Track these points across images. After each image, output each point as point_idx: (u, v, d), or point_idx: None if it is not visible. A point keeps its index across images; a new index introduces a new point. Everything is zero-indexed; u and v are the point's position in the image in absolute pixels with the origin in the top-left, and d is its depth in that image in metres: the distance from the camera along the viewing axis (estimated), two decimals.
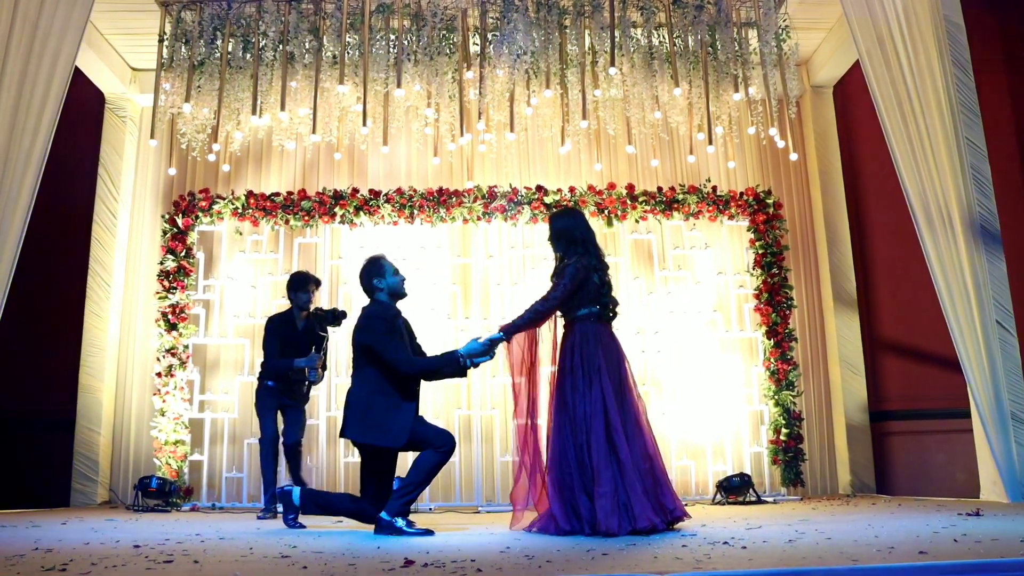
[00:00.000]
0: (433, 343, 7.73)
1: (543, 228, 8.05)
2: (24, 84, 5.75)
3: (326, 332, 6.70)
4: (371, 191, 8.10)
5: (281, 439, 6.52)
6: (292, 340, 6.56)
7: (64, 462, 7.66)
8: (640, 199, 8.15)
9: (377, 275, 5.25)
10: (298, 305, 6.67)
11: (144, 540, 4.38)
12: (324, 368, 6.73)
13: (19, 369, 7.73)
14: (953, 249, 6.12)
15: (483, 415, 7.79)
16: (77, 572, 3.09)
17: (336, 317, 6.64)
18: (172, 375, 7.67)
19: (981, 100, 6.34)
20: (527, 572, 3.06)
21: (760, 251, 8.14)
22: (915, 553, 3.27)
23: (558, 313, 5.06)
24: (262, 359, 6.65)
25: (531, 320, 4.96)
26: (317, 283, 6.85)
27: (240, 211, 8.06)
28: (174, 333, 7.76)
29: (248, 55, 7.24)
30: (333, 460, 7.71)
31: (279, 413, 6.57)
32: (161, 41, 7.27)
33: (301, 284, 6.70)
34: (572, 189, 8.14)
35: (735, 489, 7.21)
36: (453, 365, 5.04)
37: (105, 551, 3.84)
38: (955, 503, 6.21)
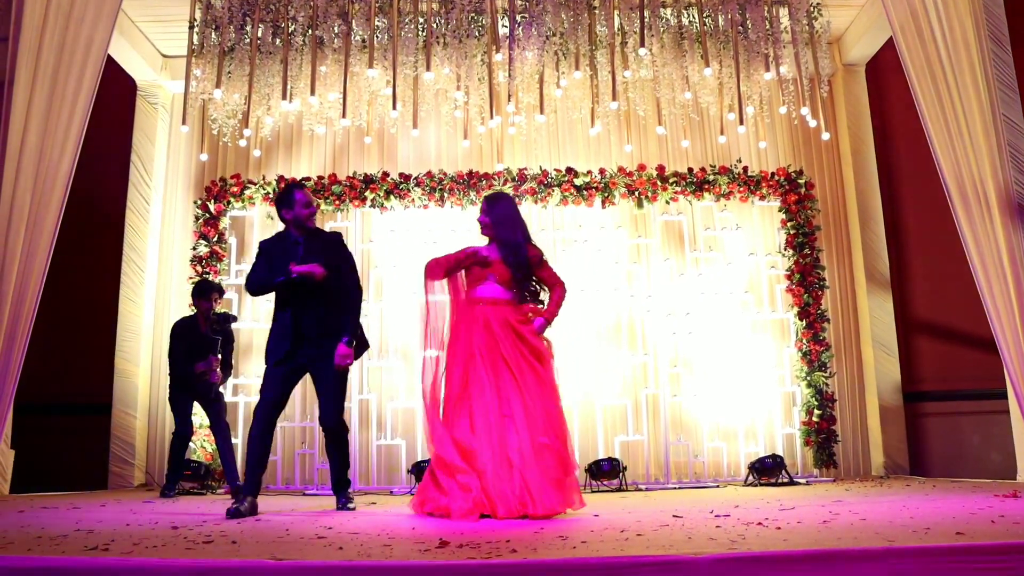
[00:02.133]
0: None
1: (573, 210, 8.10)
2: (58, 73, 5.80)
3: (220, 335, 6.86)
4: (401, 175, 8.12)
5: (213, 439, 6.97)
6: (197, 345, 6.78)
7: (101, 445, 7.78)
8: (671, 180, 8.11)
9: (285, 206, 5.34)
10: (201, 312, 6.92)
11: (182, 522, 4.44)
12: (229, 368, 7.02)
13: (56, 354, 7.84)
14: (989, 228, 6.01)
15: None
16: (119, 552, 3.14)
17: (226, 320, 6.93)
18: None
19: (1019, 75, 6.22)
20: (561, 552, 3.07)
21: (792, 231, 8.08)
22: (952, 534, 3.25)
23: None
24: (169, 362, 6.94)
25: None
26: (220, 292, 7.10)
27: (271, 196, 8.10)
28: None
29: (278, 40, 7.26)
30: (365, 442, 7.74)
31: (206, 410, 6.94)
32: (191, 27, 7.31)
33: (203, 292, 6.94)
34: (602, 171, 8.11)
35: (767, 470, 7.19)
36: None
37: (144, 532, 3.89)
38: (991, 485, 6.15)
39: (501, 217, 5.09)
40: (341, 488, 5.45)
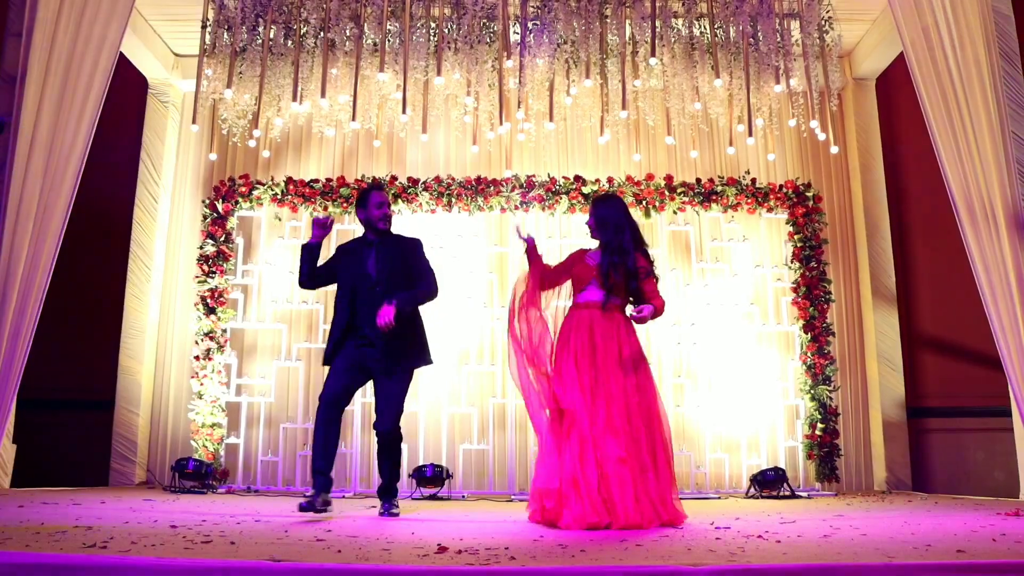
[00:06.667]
0: (469, 330, 7.79)
1: (581, 218, 8.07)
2: (70, 69, 5.83)
3: None
4: (409, 179, 8.11)
5: None
6: None
7: (103, 442, 7.79)
8: (678, 190, 8.10)
9: (360, 205, 5.43)
10: None
11: (181, 521, 4.44)
12: None
13: (61, 350, 7.84)
14: (996, 245, 6.00)
15: (518, 404, 7.77)
16: (117, 550, 3.14)
17: None
18: (210, 358, 7.73)
19: None
20: (561, 560, 3.07)
21: (799, 244, 8.06)
22: (952, 551, 3.24)
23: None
24: None
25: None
26: None
27: (279, 197, 8.10)
28: (212, 317, 7.82)
29: (289, 42, 7.27)
30: (368, 445, 7.71)
31: None
32: (204, 27, 7.32)
33: None
34: (610, 179, 8.11)
35: (769, 483, 7.17)
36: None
37: (143, 530, 3.89)
38: (994, 502, 6.13)
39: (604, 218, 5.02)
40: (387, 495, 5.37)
